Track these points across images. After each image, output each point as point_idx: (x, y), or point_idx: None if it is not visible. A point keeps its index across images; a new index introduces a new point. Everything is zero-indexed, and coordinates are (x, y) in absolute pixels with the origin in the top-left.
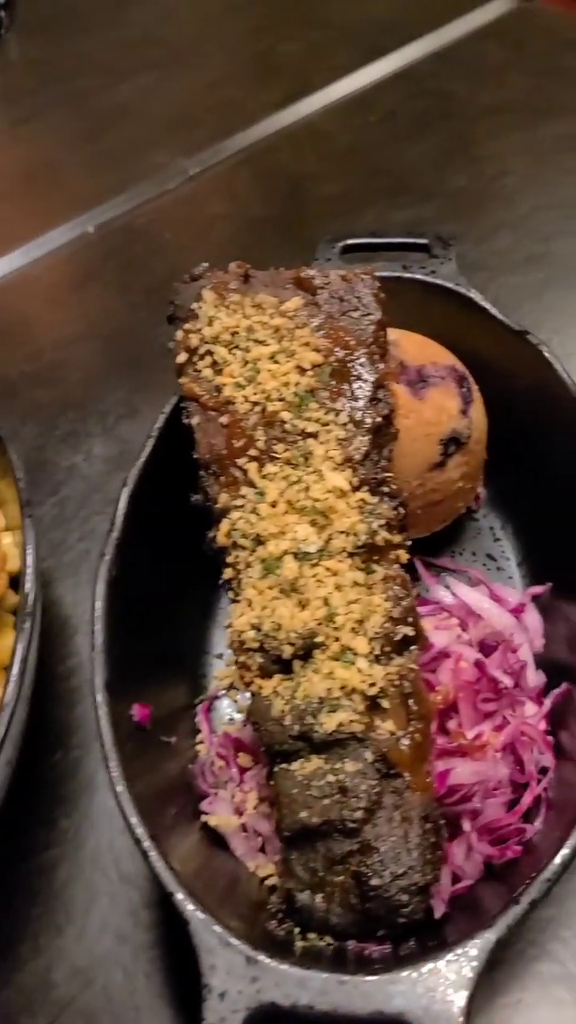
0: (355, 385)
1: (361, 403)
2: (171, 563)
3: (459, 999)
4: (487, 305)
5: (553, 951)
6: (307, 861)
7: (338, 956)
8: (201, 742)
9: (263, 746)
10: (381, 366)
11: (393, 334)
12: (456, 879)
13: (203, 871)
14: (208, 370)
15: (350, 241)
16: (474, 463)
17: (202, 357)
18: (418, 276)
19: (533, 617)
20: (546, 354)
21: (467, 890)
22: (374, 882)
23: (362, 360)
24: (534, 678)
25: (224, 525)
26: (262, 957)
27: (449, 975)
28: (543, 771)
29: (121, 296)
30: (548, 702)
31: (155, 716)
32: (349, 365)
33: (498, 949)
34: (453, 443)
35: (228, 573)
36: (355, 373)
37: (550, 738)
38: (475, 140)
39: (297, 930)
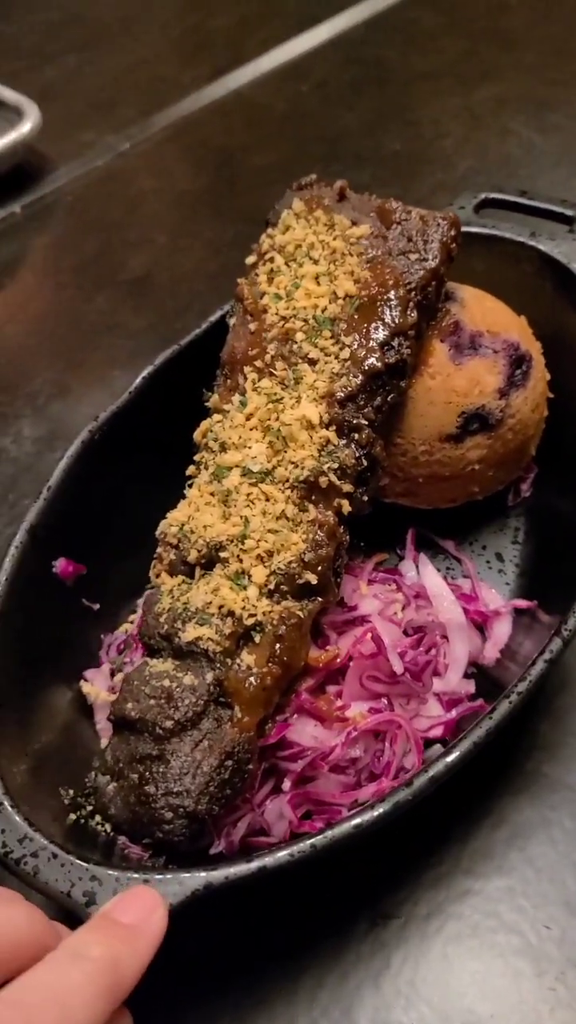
0: (373, 325)
1: (370, 344)
2: (173, 453)
3: None
4: None
5: (512, 922)
6: (117, 749)
7: (107, 846)
8: (132, 621)
9: (139, 635)
10: (413, 315)
11: (466, 292)
12: (262, 832)
13: (68, 730)
14: (264, 276)
15: (492, 195)
16: (501, 451)
17: (265, 263)
18: (540, 246)
19: (503, 629)
20: None
21: (267, 846)
22: (148, 788)
23: (394, 303)
24: (456, 683)
25: (204, 424)
26: (6, 803)
27: None
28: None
29: (49, 276)
30: (455, 712)
31: (88, 579)
32: (378, 304)
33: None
34: (477, 420)
35: (191, 469)
36: (380, 314)
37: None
38: (410, 105)
39: (90, 807)
